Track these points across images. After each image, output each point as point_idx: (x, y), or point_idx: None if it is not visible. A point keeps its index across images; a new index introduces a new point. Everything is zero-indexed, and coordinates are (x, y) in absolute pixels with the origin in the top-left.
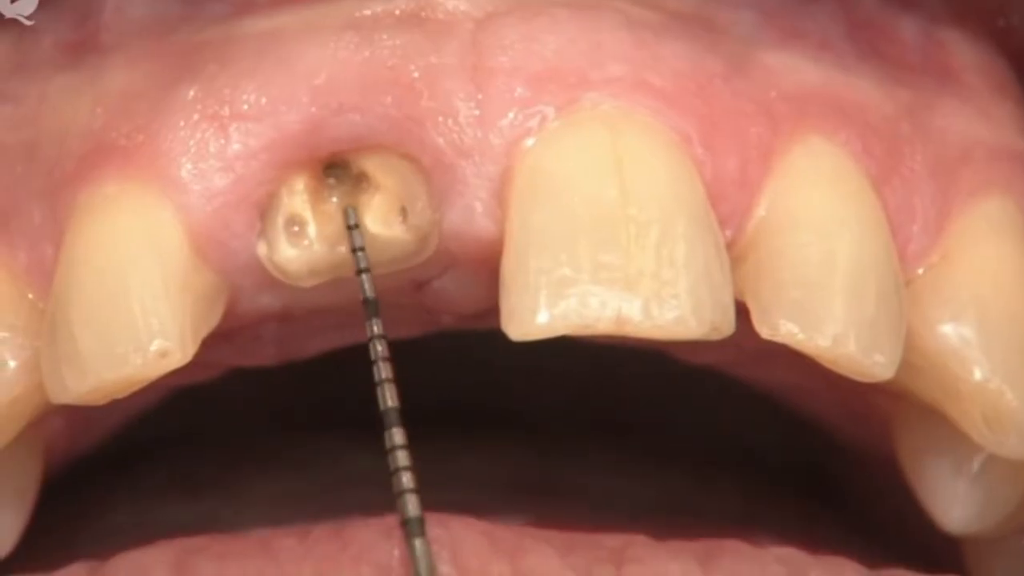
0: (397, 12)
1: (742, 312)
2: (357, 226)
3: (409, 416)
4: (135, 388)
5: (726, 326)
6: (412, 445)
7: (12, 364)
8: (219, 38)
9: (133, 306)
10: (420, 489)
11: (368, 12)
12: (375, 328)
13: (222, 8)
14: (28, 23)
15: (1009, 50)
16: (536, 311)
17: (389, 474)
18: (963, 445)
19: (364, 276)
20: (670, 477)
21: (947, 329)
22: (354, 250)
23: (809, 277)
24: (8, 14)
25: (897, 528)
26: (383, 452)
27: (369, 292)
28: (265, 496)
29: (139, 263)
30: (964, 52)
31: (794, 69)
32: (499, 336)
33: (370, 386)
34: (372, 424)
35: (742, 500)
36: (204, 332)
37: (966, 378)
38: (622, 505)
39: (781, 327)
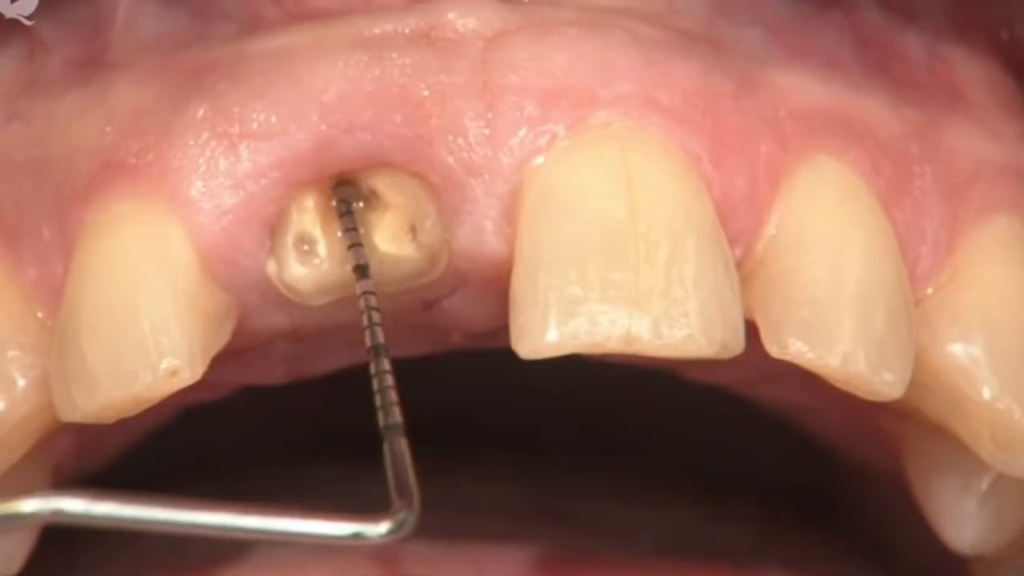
0: (407, 31)
1: (751, 331)
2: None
3: (418, 439)
4: (144, 406)
5: (736, 344)
6: (421, 469)
7: (21, 382)
8: (228, 56)
9: (142, 324)
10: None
11: (378, 30)
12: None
13: (231, 26)
14: (28, 23)
15: (1014, 65)
16: (546, 329)
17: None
18: (972, 464)
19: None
20: (680, 505)
21: (956, 348)
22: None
23: (818, 296)
24: (8, 14)
25: (905, 550)
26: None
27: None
28: None
29: (148, 281)
30: (970, 69)
31: (802, 87)
32: (510, 357)
33: (369, 415)
34: (372, 454)
35: (753, 527)
36: (214, 350)
37: (975, 397)
38: (628, 530)
39: (791, 346)
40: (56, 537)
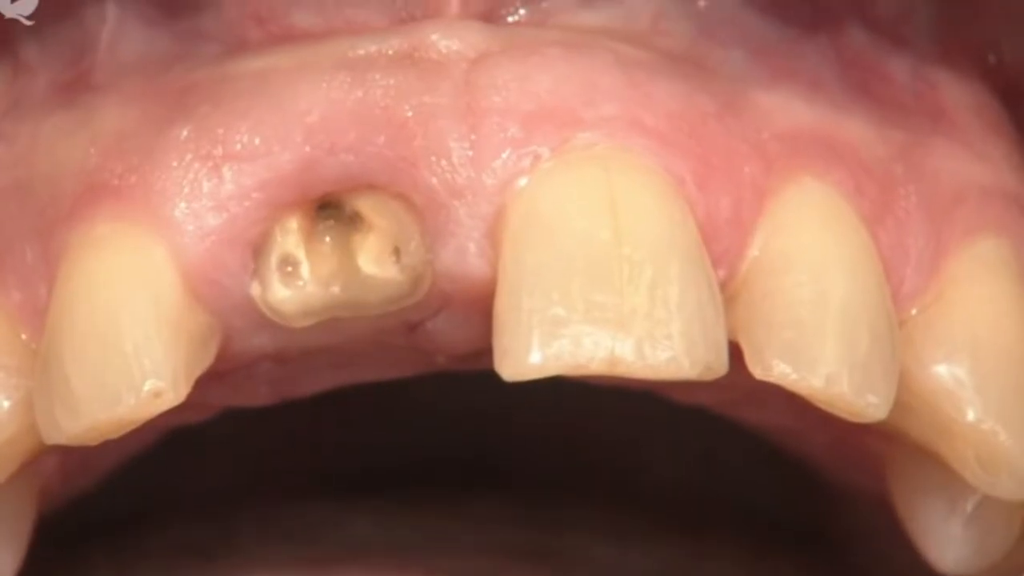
0: (390, 52)
1: (735, 352)
2: None
3: (404, 476)
4: (128, 428)
5: (719, 366)
6: (408, 507)
7: (5, 404)
8: (212, 78)
9: (126, 346)
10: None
11: (361, 52)
12: None
13: (215, 48)
14: (28, 23)
15: (1000, 87)
16: (529, 351)
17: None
18: (957, 486)
19: None
20: (665, 540)
21: (940, 369)
22: None
23: (802, 317)
24: (8, 14)
25: (890, 574)
26: (380, 517)
27: None
28: (272, 563)
29: (132, 303)
30: (956, 91)
31: (787, 109)
32: (496, 393)
33: (357, 449)
34: (365, 489)
35: (739, 561)
36: (197, 372)
37: (959, 418)
38: (613, 567)
39: (774, 367)
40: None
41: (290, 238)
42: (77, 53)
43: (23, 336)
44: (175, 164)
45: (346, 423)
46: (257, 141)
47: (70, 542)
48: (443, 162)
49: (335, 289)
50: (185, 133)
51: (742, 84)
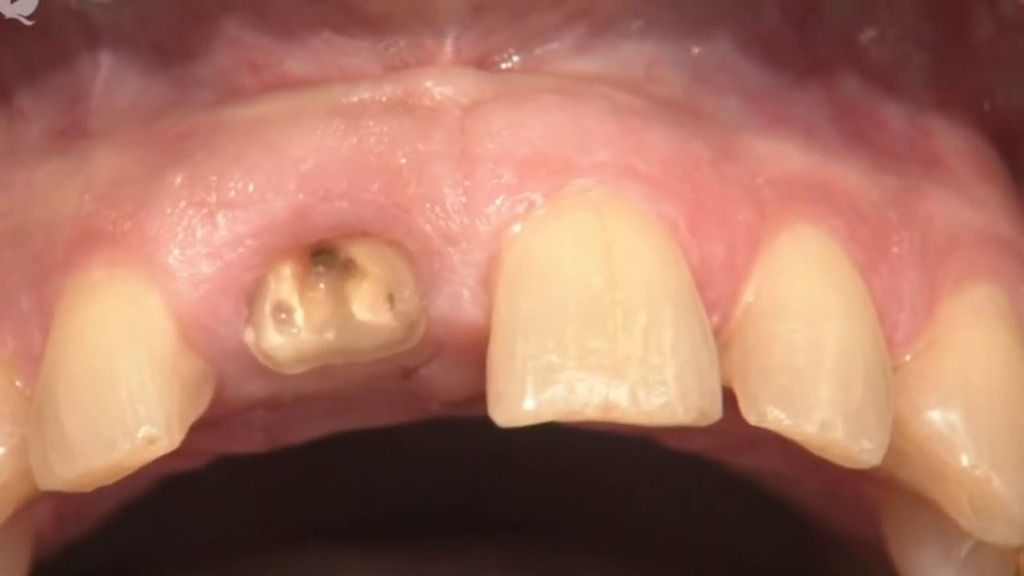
0: (384, 99)
1: (729, 398)
2: None
3: (398, 522)
4: (123, 475)
5: (713, 412)
6: (402, 553)
7: (0, 451)
8: (206, 125)
9: (120, 392)
10: None
11: (355, 99)
12: None
13: (209, 95)
14: (28, 23)
15: (994, 132)
16: (523, 397)
17: None
18: (951, 531)
19: None
20: None
21: (934, 415)
22: None
23: (796, 363)
24: (8, 14)
25: None
26: (374, 563)
27: None
28: None
29: (126, 349)
30: (949, 137)
31: (781, 155)
32: (490, 439)
33: (351, 495)
34: (359, 535)
35: None
36: (192, 419)
37: (953, 464)
38: None
39: (768, 413)
40: None
41: (284, 285)
42: (71, 100)
43: (17, 383)
44: (169, 211)
45: (340, 469)
46: (251, 188)
47: None
48: (437, 209)
49: (329, 336)
50: (179, 180)
51: (736, 131)
